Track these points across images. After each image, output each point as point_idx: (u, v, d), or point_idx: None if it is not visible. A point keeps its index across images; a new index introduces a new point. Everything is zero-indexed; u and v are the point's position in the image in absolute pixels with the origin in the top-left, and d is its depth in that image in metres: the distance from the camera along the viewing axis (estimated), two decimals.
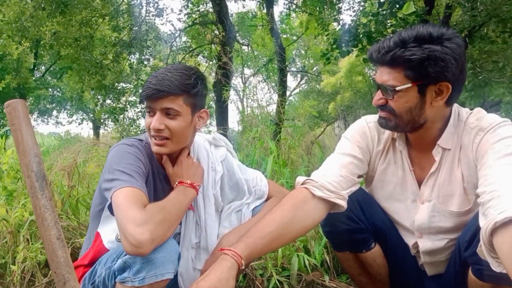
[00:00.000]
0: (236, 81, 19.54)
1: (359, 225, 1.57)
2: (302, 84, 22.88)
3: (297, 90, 23.15)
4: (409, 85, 1.33)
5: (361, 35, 4.79)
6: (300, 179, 1.52)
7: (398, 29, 4.69)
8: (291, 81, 23.32)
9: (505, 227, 1.06)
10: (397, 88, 1.34)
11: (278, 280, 2.35)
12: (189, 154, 1.56)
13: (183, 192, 1.41)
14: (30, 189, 0.93)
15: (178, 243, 1.55)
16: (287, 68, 10.72)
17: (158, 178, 1.52)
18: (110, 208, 1.29)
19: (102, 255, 1.40)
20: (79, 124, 20.48)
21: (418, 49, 1.28)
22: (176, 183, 1.45)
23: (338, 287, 2.37)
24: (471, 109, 1.50)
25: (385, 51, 1.33)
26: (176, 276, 1.52)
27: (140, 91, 1.43)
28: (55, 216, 0.94)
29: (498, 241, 1.08)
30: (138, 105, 10.65)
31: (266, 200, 1.71)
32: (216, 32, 8.19)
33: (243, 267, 1.28)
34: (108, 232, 1.46)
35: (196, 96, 1.44)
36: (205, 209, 1.57)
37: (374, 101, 1.44)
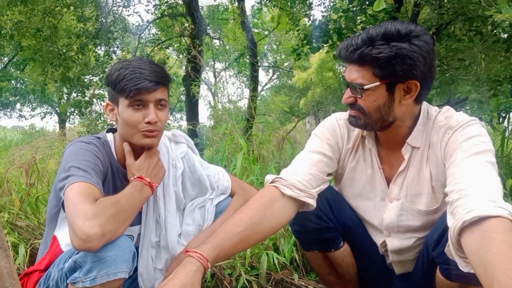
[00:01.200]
0: (207, 75, 19.38)
1: (328, 224, 1.55)
2: (274, 79, 22.94)
3: (268, 85, 23.20)
4: (377, 83, 1.31)
5: (331, 31, 4.80)
6: (269, 177, 1.48)
7: (367, 26, 4.73)
8: (262, 76, 23.34)
9: (473, 226, 1.05)
10: (366, 87, 1.32)
11: (247, 279, 2.32)
12: (155, 151, 1.51)
13: (141, 190, 1.35)
14: None
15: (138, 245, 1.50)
16: (259, 63, 10.68)
17: (118, 177, 1.46)
18: (63, 206, 1.22)
19: None
20: (42, 118, 19.82)
21: (386, 47, 1.26)
22: (135, 176, 1.39)
23: (307, 285, 2.36)
24: (438, 106, 1.50)
25: (353, 49, 1.31)
26: (136, 276, 1.47)
27: (122, 84, 1.35)
28: None
29: (466, 241, 1.07)
30: (105, 98, 10.38)
31: (231, 196, 1.68)
32: (186, 24, 8.05)
33: (209, 270, 1.24)
34: (65, 234, 1.36)
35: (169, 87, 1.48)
36: (165, 207, 1.52)
37: (344, 99, 1.42)
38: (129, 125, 1.38)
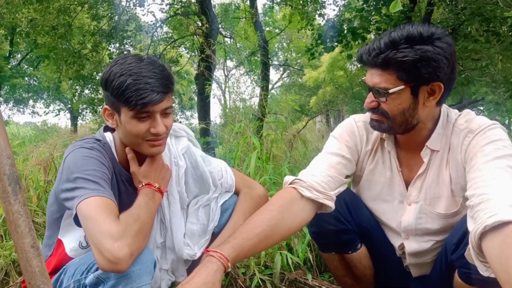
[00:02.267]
0: (218, 73, 19.41)
1: (346, 226, 1.55)
2: (284, 77, 22.89)
3: (279, 84, 23.15)
4: (402, 87, 1.31)
5: (345, 31, 4.78)
6: (288, 178, 1.49)
7: (382, 26, 4.70)
8: (273, 74, 23.31)
9: (495, 231, 1.05)
10: (390, 91, 1.32)
11: (260, 278, 2.33)
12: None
13: (153, 197, 1.33)
14: (2, 194, 0.86)
15: None
16: (270, 61, 10.67)
17: (121, 180, 1.41)
18: (76, 219, 1.18)
19: (65, 263, 1.32)
20: (56, 115, 20.02)
21: (410, 50, 1.26)
22: (143, 183, 1.35)
23: (321, 285, 2.37)
24: (450, 107, 1.50)
25: (376, 53, 1.30)
26: None
27: (126, 96, 1.24)
28: (30, 223, 0.87)
29: (488, 245, 1.07)
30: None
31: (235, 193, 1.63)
32: (199, 23, 8.07)
33: (229, 270, 1.24)
34: (70, 240, 1.37)
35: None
36: (169, 208, 1.49)
37: (366, 103, 1.40)
38: (134, 135, 1.31)
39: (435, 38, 1.27)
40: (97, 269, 1.15)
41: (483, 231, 1.07)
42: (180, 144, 1.55)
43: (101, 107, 9.37)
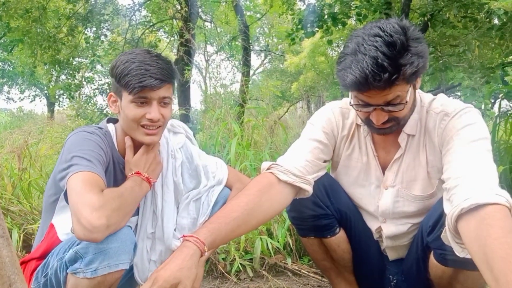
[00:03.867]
0: (198, 58, 19.18)
1: (324, 211, 1.56)
2: (266, 63, 22.78)
3: (260, 69, 23.04)
4: (410, 88, 1.30)
5: (326, 16, 4.76)
6: (265, 164, 1.49)
7: (362, 11, 4.70)
8: (254, 60, 23.15)
9: (471, 213, 1.07)
10: (407, 98, 1.29)
11: (241, 263, 2.35)
12: (153, 146, 1.49)
13: (140, 184, 1.36)
14: None
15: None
16: (251, 46, 10.59)
17: (119, 169, 1.45)
18: (66, 196, 1.21)
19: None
20: (32, 101, 19.52)
21: (411, 55, 1.20)
22: (133, 172, 1.39)
23: (300, 269, 2.40)
24: (429, 92, 1.51)
25: (388, 75, 1.19)
26: (132, 266, 1.47)
27: (127, 80, 1.32)
28: None
29: (464, 227, 1.09)
30: (95, 81, 10.23)
31: (228, 188, 1.66)
32: (178, 6, 7.92)
33: (206, 254, 1.24)
34: (63, 223, 1.37)
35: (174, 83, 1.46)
36: (163, 197, 1.51)
37: (379, 122, 1.33)
38: (131, 120, 1.37)
39: (411, 32, 1.23)
40: (78, 245, 1.16)
41: (460, 213, 1.09)
42: (177, 139, 1.60)
43: (78, 93, 9.18)
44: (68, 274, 1.18)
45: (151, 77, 1.32)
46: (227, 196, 1.61)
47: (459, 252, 1.15)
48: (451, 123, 1.36)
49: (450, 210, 1.13)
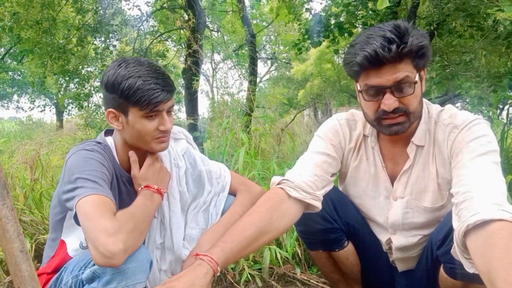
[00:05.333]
0: (205, 67, 19.29)
1: (332, 225, 1.57)
2: (272, 70, 22.86)
3: (267, 77, 23.12)
4: (417, 74, 1.32)
5: (332, 26, 4.80)
6: (275, 179, 1.50)
7: (368, 21, 4.72)
8: (261, 68, 23.24)
9: (478, 229, 1.08)
10: (416, 79, 1.31)
11: (250, 273, 2.36)
12: (157, 156, 1.50)
13: (151, 198, 1.36)
14: None
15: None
16: (258, 55, 10.64)
17: (122, 182, 1.45)
18: (76, 218, 1.21)
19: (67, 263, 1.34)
20: (42, 110, 19.71)
21: (418, 34, 1.28)
22: (142, 186, 1.39)
23: (309, 279, 2.40)
24: (436, 99, 1.52)
25: (397, 45, 1.24)
26: None
27: (138, 96, 1.31)
28: (18, 227, 0.87)
29: (471, 244, 1.10)
30: None
31: (231, 194, 1.66)
32: (185, 17, 7.99)
33: (218, 273, 1.25)
34: (72, 240, 1.40)
35: None
36: (170, 208, 1.51)
37: (389, 106, 1.31)
38: (143, 134, 1.37)
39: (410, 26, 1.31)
40: (94, 264, 1.17)
41: (467, 229, 1.10)
42: (179, 146, 1.60)
43: (87, 102, 9.27)
44: None
45: (162, 91, 1.32)
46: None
47: (469, 268, 1.15)
48: (461, 135, 1.36)
49: (457, 225, 1.14)
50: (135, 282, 1.18)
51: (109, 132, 1.51)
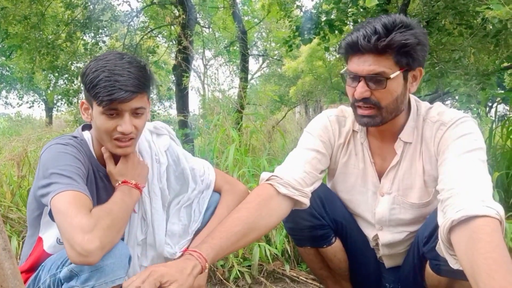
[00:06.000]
0: (196, 63, 19.22)
1: (320, 222, 1.58)
2: (264, 67, 22.83)
3: (258, 74, 23.09)
4: (398, 72, 1.31)
5: (322, 23, 4.80)
6: (264, 175, 1.50)
7: (359, 18, 4.73)
8: (252, 64, 23.28)
9: (462, 225, 1.09)
10: (391, 76, 1.30)
11: (239, 270, 2.36)
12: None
13: (129, 193, 1.33)
14: None
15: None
16: (249, 52, 10.62)
17: (99, 177, 1.42)
18: (51, 214, 1.19)
19: (43, 260, 1.31)
20: (30, 106, 19.48)
21: (410, 33, 1.27)
22: (119, 182, 1.36)
23: (298, 276, 2.41)
24: (426, 97, 1.53)
25: (377, 37, 1.26)
26: None
27: (96, 91, 1.24)
28: (1, 225, 0.86)
29: (455, 240, 1.11)
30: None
31: (215, 190, 1.65)
32: (176, 12, 7.94)
33: (207, 270, 1.25)
34: (49, 236, 1.37)
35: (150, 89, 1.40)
36: (151, 204, 1.49)
37: (359, 94, 1.34)
38: (102, 131, 1.31)
39: (416, 25, 1.31)
40: (71, 263, 1.14)
41: (451, 225, 1.11)
42: (162, 142, 1.56)
43: (76, 98, 9.18)
44: None
45: (120, 89, 1.23)
46: (217, 201, 1.60)
47: (453, 264, 1.16)
48: (447, 132, 1.37)
49: (442, 222, 1.15)
50: (114, 278, 1.16)
51: (87, 127, 1.47)
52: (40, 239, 1.39)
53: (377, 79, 1.31)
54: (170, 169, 1.56)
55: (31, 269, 1.36)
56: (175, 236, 1.52)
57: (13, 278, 0.85)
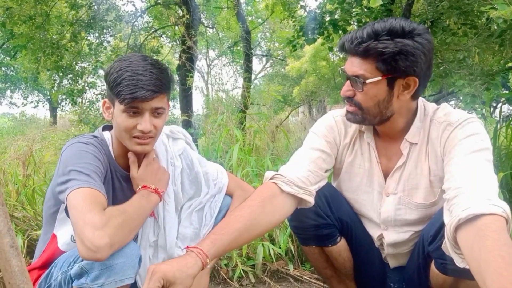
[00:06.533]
0: (200, 63, 19.24)
1: (325, 221, 1.58)
2: (267, 67, 22.84)
3: (262, 74, 23.10)
4: (379, 78, 1.33)
5: (326, 23, 4.80)
6: (268, 173, 1.50)
7: (363, 18, 4.73)
8: (256, 65, 23.21)
9: (469, 224, 1.09)
10: (368, 81, 1.33)
11: (243, 269, 2.37)
12: (154, 157, 1.50)
13: (147, 197, 1.35)
14: None
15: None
16: (253, 52, 10.63)
17: (116, 177, 1.45)
18: (67, 210, 1.21)
19: (57, 257, 1.33)
20: (35, 106, 19.56)
21: (391, 42, 1.28)
22: (140, 186, 1.39)
23: (302, 275, 2.42)
24: (430, 96, 1.53)
25: (358, 42, 1.31)
26: None
27: (119, 89, 1.30)
28: (8, 223, 0.87)
29: (462, 238, 1.11)
30: (97, 86, 10.27)
31: (228, 194, 1.67)
32: (180, 13, 7.96)
33: (208, 266, 1.25)
34: (63, 234, 1.39)
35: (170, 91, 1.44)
36: (164, 207, 1.51)
37: (343, 91, 1.42)
38: (122, 130, 1.36)
39: (416, 33, 1.29)
40: (82, 260, 1.17)
41: (458, 224, 1.11)
42: (177, 146, 1.60)
43: (80, 98, 9.22)
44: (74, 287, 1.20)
45: (142, 88, 1.29)
46: (229, 205, 1.62)
47: (459, 263, 1.16)
48: (454, 133, 1.38)
49: (449, 220, 1.15)
50: (123, 277, 1.18)
51: (107, 128, 1.52)
52: (54, 236, 1.41)
53: (357, 81, 1.35)
54: (184, 173, 1.59)
55: (44, 265, 1.38)
56: (186, 239, 1.54)
57: (21, 275, 0.86)
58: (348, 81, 1.39)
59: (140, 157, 1.46)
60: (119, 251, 1.17)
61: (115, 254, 1.16)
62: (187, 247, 1.27)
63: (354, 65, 1.35)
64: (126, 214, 1.21)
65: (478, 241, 1.04)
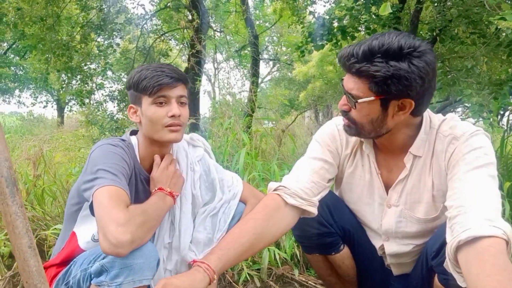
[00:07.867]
0: (208, 66, 19.31)
1: (328, 229, 1.60)
2: (274, 71, 22.87)
3: (268, 78, 23.13)
4: (372, 98, 1.30)
5: (335, 30, 4.81)
6: (272, 185, 1.52)
7: (371, 25, 4.74)
8: (263, 68, 23.24)
9: (468, 245, 1.10)
10: (360, 100, 1.32)
11: (248, 274, 2.38)
12: (172, 160, 1.56)
13: (163, 199, 1.42)
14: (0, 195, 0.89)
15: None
16: (260, 56, 10.66)
17: (140, 179, 1.51)
18: (92, 208, 1.27)
19: (76, 255, 1.37)
20: (44, 106, 19.70)
21: (384, 65, 1.23)
22: (156, 188, 1.45)
23: (307, 280, 2.43)
24: (437, 104, 1.52)
25: (353, 62, 1.28)
26: None
27: (145, 83, 1.42)
28: (27, 224, 0.90)
29: (462, 259, 1.12)
30: (105, 88, 10.34)
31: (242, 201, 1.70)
32: (189, 16, 8.01)
33: (215, 281, 1.29)
34: (84, 232, 1.44)
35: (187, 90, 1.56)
36: (180, 208, 1.56)
37: (340, 105, 1.42)
38: (154, 121, 1.44)
39: (415, 55, 1.23)
40: (103, 258, 1.21)
41: (458, 245, 1.12)
42: (196, 153, 1.67)
43: (88, 99, 9.27)
44: (92, 285, 1.23)
45: (167, 76, 1.42)
46: (242, 211, 1.65)
47: (461, 282, 1.16)
48: (459, 147, 1.35)
49: (450, 240, 1.16)
50: (141, 278, 1.21)
51: (134, 133, 1.60)
52: (73, 234, 1.46)
53: (350, 99, 1.34)
54: (202, 179, 1.65)
55: (63, 263, 1.43)
56: (200, 244, 1.58)
57: (38, 275, 0.89)
58: (344, 95, 1.39)
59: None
60: (139, 251, 1.21)
61: (135, 254, 1.20)
62: (194, 261, 1.31)
63: (350, 82, 1.34)
64: (146, 214, 1.27)
65: (477, 264, 1.06)
